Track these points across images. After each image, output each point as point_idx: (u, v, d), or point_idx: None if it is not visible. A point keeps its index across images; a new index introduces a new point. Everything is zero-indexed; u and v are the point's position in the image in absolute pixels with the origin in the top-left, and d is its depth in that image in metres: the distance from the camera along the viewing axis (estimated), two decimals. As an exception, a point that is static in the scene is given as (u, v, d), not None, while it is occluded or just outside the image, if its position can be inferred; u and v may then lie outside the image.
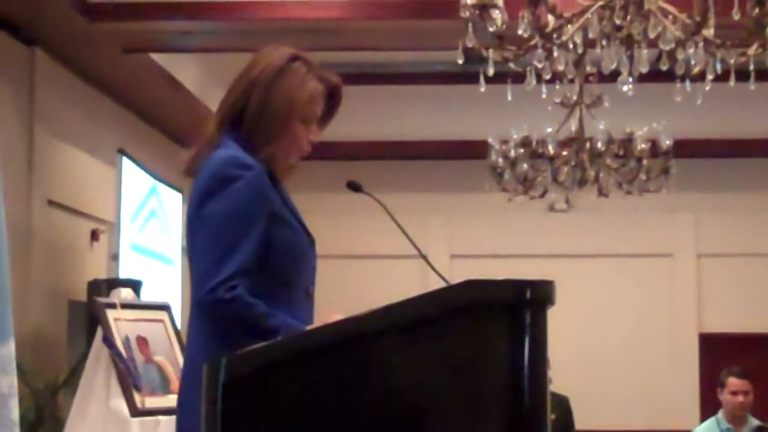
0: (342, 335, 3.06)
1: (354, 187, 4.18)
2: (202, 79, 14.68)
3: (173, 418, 5.44)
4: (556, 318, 3.03)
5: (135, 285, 10.20)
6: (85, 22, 12.02)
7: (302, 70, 3.99)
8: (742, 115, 15.77)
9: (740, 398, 9.08)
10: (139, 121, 15.50)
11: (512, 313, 2.94)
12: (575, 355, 15.52)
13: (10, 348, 8.34)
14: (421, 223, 14.40)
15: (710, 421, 9.25)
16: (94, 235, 13.95)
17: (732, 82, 8.34)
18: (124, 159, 13.51)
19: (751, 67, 8.16)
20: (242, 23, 12.03)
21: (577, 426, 11.25)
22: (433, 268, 3.64)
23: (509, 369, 2.94)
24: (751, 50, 8.08)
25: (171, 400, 7.25)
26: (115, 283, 10.42)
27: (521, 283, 2.94)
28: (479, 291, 2.95)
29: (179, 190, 14.45)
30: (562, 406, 10.46)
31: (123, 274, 12.71)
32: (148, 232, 14.39)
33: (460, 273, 2.99)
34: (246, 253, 3.69)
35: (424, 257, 4.00)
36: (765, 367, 16.90)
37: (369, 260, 14.49)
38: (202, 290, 3.69)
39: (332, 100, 4.07)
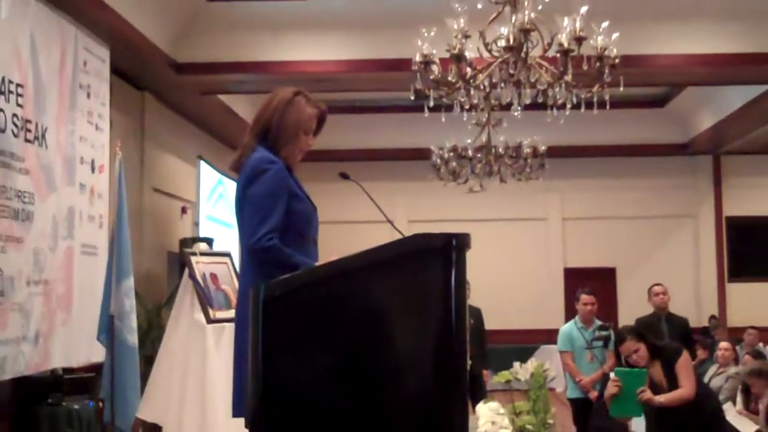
0: (337, 269, 3.06)
1: (344, 176, 4.21)
2: (251, 111, 14.64)
3: (233, 324, 5.42)
4: (475, 258, 3.03)
5: (209, 241, 10.23)
6: (176, 75, 12.04)
7: (302, 101, 4.01)
8: (589, 130, 15.83)
9: (588, 307, 9.10)
10: (211, 137, 15.60)
11: (444, 253, 2.94)
12: (486, 281, 15.53)
13: (131, 281, 8.30)
14: (389, 201, 14.36)
15: (570, 323, 9.27)
16: (183, 210, 14.00)
17: (582, 109, 8.34)
18: (202, 162, 13.53)
19: (595, 99, 8.16)
20: (276, 75, 12.04)
21: (486, 327, 11.26)
22: (396, 228, 3.65)
23: (443, 289, 2.94)
24: (594, 89, 8.07)
25: (232, 314, 7.24)
26: (196, 240, 10.41)
27: (449, 234, 2.96)
28: (424, 240, 2.97)
29: (236, 181, 14.41)
30: (476, 315, 10.46)
31: (201, 234, 12.74)
32: (217, 208, 14.41)
33: (415, 232, 2.99)
34: (277, 217, 3.73)
35: (390, 222, 4.02)
36: (605, 288, 17.19)
37: (354, 224, 14.56)
38: (250, 241, 3.73)
39: (321, 119, 4.07)
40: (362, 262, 3.01)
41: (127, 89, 12.04)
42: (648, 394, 6.39)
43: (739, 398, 9.15)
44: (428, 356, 2.94)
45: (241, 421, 3.68)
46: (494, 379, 4.47)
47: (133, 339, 8.46)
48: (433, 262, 2.96)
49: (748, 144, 17.88)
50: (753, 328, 14.01)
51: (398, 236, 3.12)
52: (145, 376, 7.85)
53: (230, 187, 14.88)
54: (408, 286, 2.97)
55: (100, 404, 8.87)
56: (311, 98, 4.09)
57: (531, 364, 4.26)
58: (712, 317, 17.87)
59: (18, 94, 7.89)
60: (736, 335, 13.86)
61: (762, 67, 12.42)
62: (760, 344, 13.08)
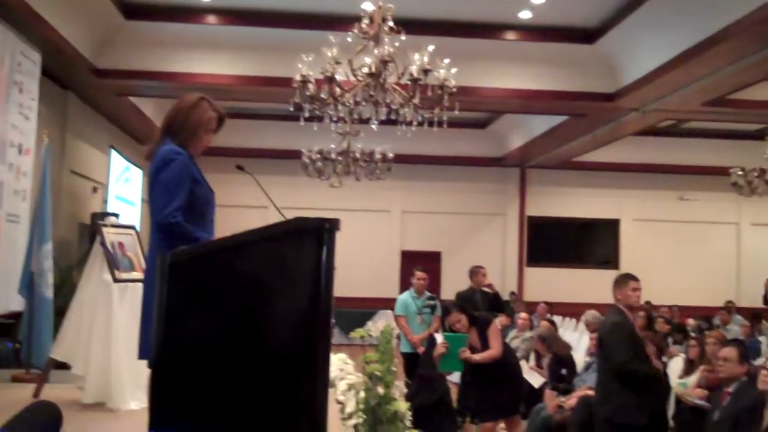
0: (232, 243, 3.01)
1: (240, 168, 4.16)
2: (156, 111, 14.36)
3: (136, 284, 5.26)
4: (341, 238, 3.01)
5: (116, 215, 9.92)
6: (95, 78, 11.74)
7: (206, 105, 3.93)
8: (428, 143, 16.01)
9: (421, 281, 9.18)
10: (121, 131, 15.31)
11: (319, 234, 2.92)
12: (340, 258, 15.52)
13: (49, 246, 8.00)
14: (268, 191, 14.29)
15: (406, 293, 9.31)
16: (95, 190, 13.70)
17: (426, 126, 8.44)
18: (113, 150, 13.19)
19: (436, 119, 8.26)
20: (178, 83, 11.79)
21: (337, 296, 11.33)
22: (280, 212, 3.61)
23: (316, 263, 2.92)
24: (435, 111, 8.17)
25: (135, 276, 7.09)
26: (107, 214, 10.11)
27: (324, 219, 2.93)
28: (302, 222, 2.93)
29: (140, 167, 14.23)
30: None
31: (109, 210, 12.42)
32: (123, 188, 14.04)
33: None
34: (181, 199, 3.64)
35: (277, 208, 3.97)
36: (432, 267, 17.34)
37: (242, 208, 14.39)
38: (159, 217, 3.65)
39: (220, 121, 3.98)
40: (252, 238, 2.96)
41: (53, 88, 11.75)
42: (467, 354, 6.53)
43: (531, 357, 9.41)
44: (302, 314, 2.92)
45: (142, 362, 3.61)
46: (351, 335, 4.48)
47: (49, 293, 8.30)
48: (309, 240, 2.92)
49: (547, 160, 18.51)
50: (544, 302, 14.49)
51: (272, 220, 3.09)
52: (56, 324, 7.65)
53: (135, 172, 14.64)
54: (288, 258, 2.93)
55: (18, 345, 8.65)
56: (213, 103, 4.01)
57: (381, 323, 4.31)
58: (512, 293, 18.34)
59: (-40, 85, 7.55)
60: (531, 308, 14.26)
61: (560, 102, 12.85)
62: (548, 315, 13.49)
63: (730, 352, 5.99)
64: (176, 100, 4.03)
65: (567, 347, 8.89)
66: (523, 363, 8.92)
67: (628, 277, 6.05)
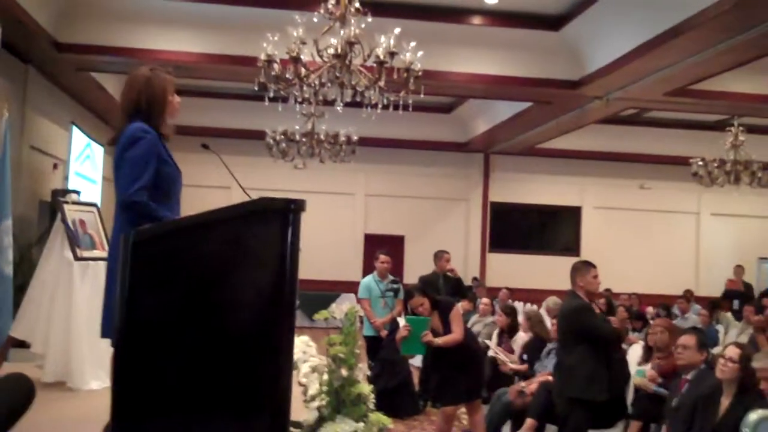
0: (194, 222, 2.99)
1: (204, 146, 4.13)
2: (117, 88, 14.17)
3: (97, 263, 5.19)
4: (304, 220, 3.00)
5: (77, 193, 9.79)
6: (56, 52, 11.61)
7: (159, 73, 3.92)
8: (393, 126, 16.01)
9: (385, 265, 9.21)
10: (82, 107, 15.17)
11: (284, 215, 2.91)
12: (303, 240, 15.48)
13: (9, 222, 7.88)
14: (231, 171, 14.19)
15: (370, 276, 9.33)
16: (55, 166, 13.58)
17: (391, 109, 8.43)
18: (74, 127, 13.03)
19: (401, 102, 8.25)
20: (140, 59, 11.59)
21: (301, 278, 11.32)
22: (245, 192, 3.59)
23: (282, 244, 2.90)
24: (402, 94, 8.16)
25: (96, 254, 7.03)
26: (67, 191, 9.98)
27: (290, 200, 2.93)
28: (268, 202, 2.93)
29: (102, 145, 14.11)
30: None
31: (71, 187, 12.28)
32: (84, 166, 13.88)
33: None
34: (147, 177, 3.66)
35: (241, 186, 3.97)
36: (395, 251, 17.31)
37: (205, 188, 14.30)
38: (124, 195, 3.65)
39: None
40: (217, 217, 2.94)
41: (14, 61, 11.61)
42: (429, 337, 6.54)
43: (495, 339, 9.46)
44: (267, 294, 2.91)
45: (103, 341, 3.58)
46: (315, 317, 4.47)
47: (9, 270, 8.15)
48: (274, 220, 2.92)
49: (510, 147, 18.59)
50: (506, 288, 14.57)
51: (235, 200, 3.07)
52: (16, 302, 7.55)
53: (97, 149, 14.48)
54: (254, 238, 2.92)
55: (-25, 323, 8.52)
56: (162, 69, 3.99)
57: (345, 306, 4.31)
58: (474, 278, 18.44)
59: None
60: (492, 293, 14.33)
61: (524, 88, 12.90)
62: (509, 300, 13.58)
63: (689, 339, 6.06)
64: (128, 78, 3.96)
65: (548, 333, 8.94)
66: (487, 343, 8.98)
67: (589, 264, 6.18)
